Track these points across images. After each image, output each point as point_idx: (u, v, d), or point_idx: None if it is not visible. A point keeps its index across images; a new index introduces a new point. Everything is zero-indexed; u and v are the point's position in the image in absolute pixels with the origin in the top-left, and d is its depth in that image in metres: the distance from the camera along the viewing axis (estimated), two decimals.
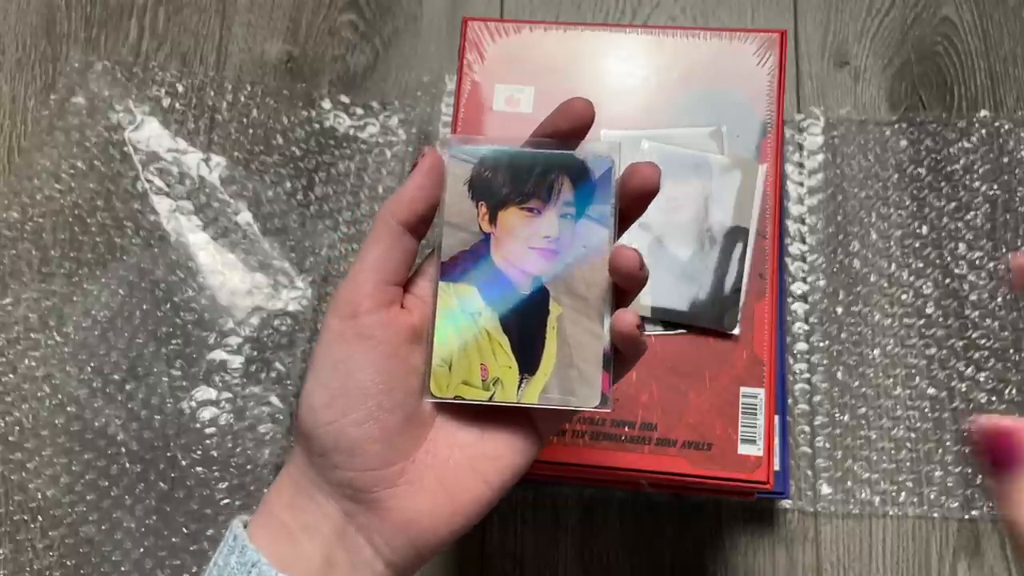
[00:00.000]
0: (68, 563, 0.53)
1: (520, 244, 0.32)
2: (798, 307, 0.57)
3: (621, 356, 0.32)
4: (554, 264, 0.32)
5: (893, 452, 0.54)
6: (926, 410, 0.55)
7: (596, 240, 0.32)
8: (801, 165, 0.60)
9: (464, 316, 0.32)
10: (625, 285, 0.31)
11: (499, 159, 0.33)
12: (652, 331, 0.45)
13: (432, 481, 0.31)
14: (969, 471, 0.54)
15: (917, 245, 0.58)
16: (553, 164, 0.32)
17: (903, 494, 0.54)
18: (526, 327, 0.32)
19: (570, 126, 0.32)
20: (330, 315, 0.31)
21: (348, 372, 0.30)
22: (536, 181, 0.32)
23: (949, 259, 0.58)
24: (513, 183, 0.32)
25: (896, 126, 0.60)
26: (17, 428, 0.56)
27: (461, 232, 0.32)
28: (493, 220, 0.32)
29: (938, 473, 0.54)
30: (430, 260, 0.33)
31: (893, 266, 0.58)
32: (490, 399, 0.32)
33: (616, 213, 0.32)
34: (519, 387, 0.32)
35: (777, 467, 0.51)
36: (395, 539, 0.31)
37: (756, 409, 0.44)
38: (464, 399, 0.32)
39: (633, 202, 0.32)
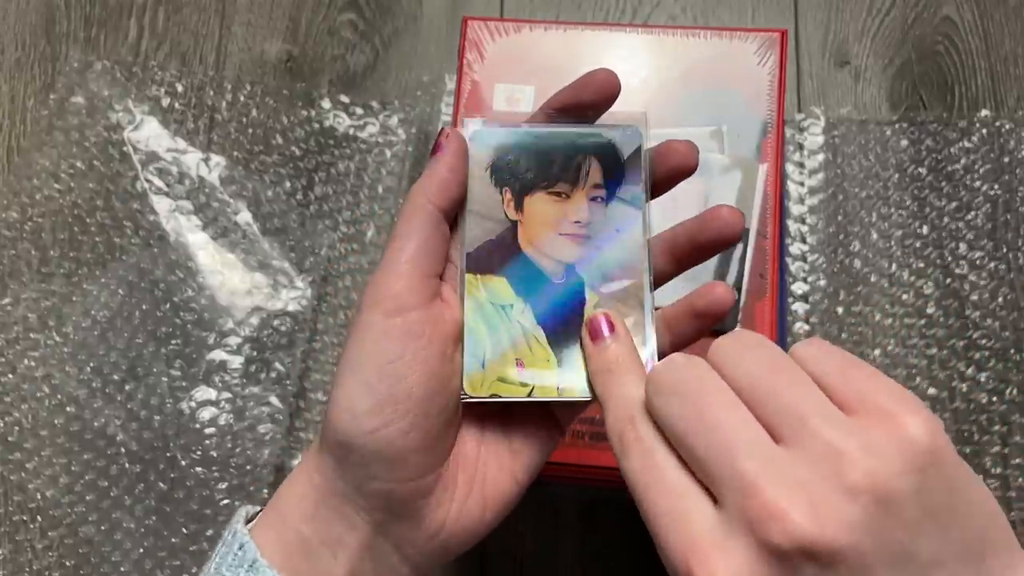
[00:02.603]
0: (67, 563, 0.53)
1: (549, 230, 0.30)
2: (799, 307, 0.57)
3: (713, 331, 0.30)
4: (586, 250, 0.30)
5: None
6: None
7: (629, 222, 0.30)
8: (801, 165, 0.60)
9: (494, 309, 0.30)
10: (718, 248, 0.31)
11: (522, 142, 0.31)
12: None
13: (464, 482, 0.30)
14: None
15: (918, 245, 0.58)
16: (580, 144, 0.31)
17: None
18: (561, 317, 0.30)
19: (593, 99, 0.30)
20: (370, 310, 0.28)
21: (398, 376, 0.27)
22: (563, 164, 0.31)
23: (950, 259, 0.57)
24: (538, 167, 0.31)
25: (897, 126, 0.60)
26: (16, 428, 0.56)
27: (485, 221, 0.31)
28: (519, 207, 0.31)
29: None
30: (453, 248, 0.31)
31: (894, 266, 0.58)
32: (529, 395, 0.30)
33: (648, 192, 0.31)
34: (558, 382, 0.30)
35: None
36: (426, 545, 0.29)
37: None
38: (501, 397, 0.30)
39: (665, 180, 0.31)
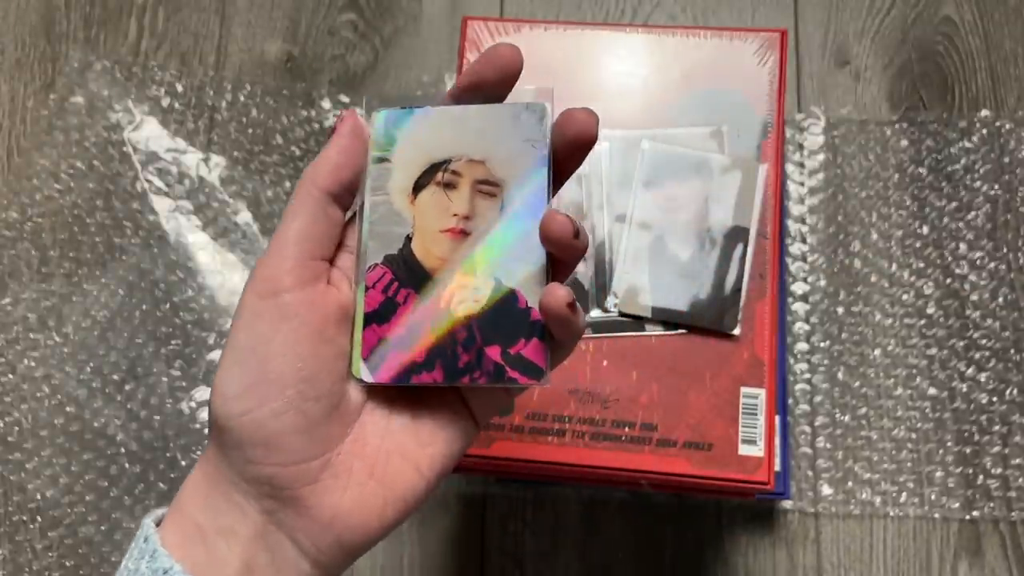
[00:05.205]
0: (67, 563, 0.53)
1: (432, 229, 0.30)
2: (799, 307, 0.57)
3: (555, 339, 0.29)
4: (465, 246, 0.29)
5: (894, 452, 0.54)
6: (927, 410, 0.55)
7: (529, 203, 0.29)
8: (802, 165, 0.60)
9: (388, 299, 0.30)
10: (559, 255, 0.28)
11: (423, 123, 0.30)
12: (652, 331, 0.45)
13: (362, 472, 0.28)
14: (970, 471, 0.54)
15: (918, 245, 0.58)
16: (481, 120, 0.30)
17: (904, 495, 0.54)
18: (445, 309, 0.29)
19: (497, 76, 0.29)
20: (248, 293, 0.28)
21: (266, 357, 0.27)
22: (461, 143, 0.30)
23: (950, 259, 0.57)
24: (436, 149, 0.30)
25: (897, 126, 0.60)
26: (16, 428, 0.56)
27: (383, 207, 0.30)
28: (415, 196, 0.30)
29: (939, 474, 0.54)
30: (351, 231, 0.31)
31: (894, 266, 0.58)
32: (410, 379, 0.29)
33: (550, 168, 0.29)
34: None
35: (778, 468, 0.51)
36: (320, 537, 0.28)
37: (756, 409, 0.43)
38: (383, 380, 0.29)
39: (569, 154, 0.29)
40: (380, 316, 0.29)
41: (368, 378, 0.29)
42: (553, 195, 0.30)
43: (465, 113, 0.30)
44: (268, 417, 0.27)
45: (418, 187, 0.30)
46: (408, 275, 0.30)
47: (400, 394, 0.30)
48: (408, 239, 0.30)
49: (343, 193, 0.30)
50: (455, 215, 0.30)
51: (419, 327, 0.29)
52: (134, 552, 0.28)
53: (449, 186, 0.30)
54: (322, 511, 0.28)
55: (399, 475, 0.29)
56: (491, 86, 0.30)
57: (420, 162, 0.30)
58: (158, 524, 0.29)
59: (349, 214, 0.31)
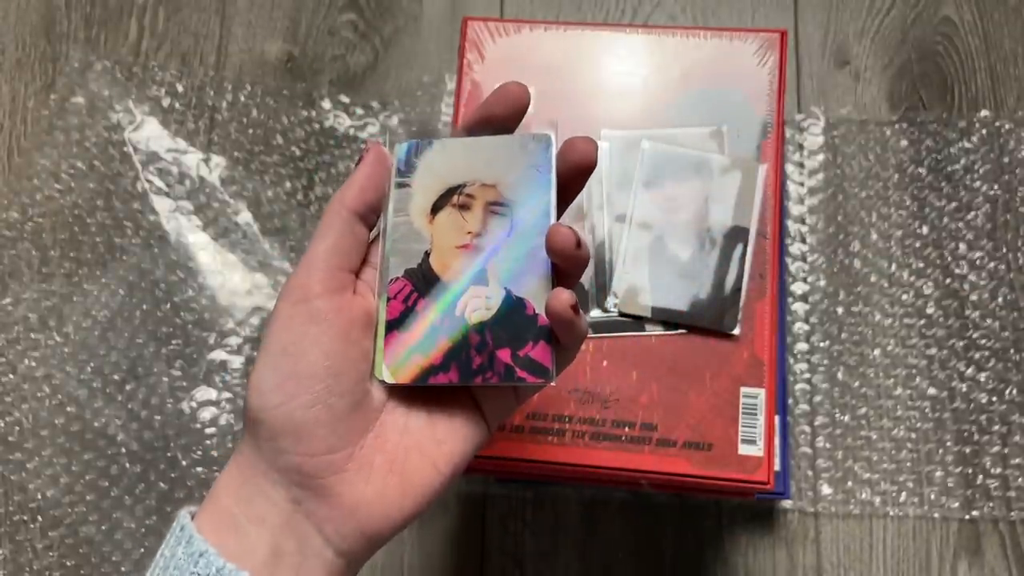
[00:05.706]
0: (68, 563, 0.53)
1: (448, 246, 0.33)
2: (798, 307, 0.57)
3: (560, 342, 0.31)
4: (479, 260, 0.32)
5: (894, 452, 0.54)
6: (926, 410, 0.55)
7: (536, 221, 0.32)
8: (801, 165, 0.60)
9: (408, 308, 0.32)
10: (564, 265, 0.31)
11: (440, 152, 0.33)
12: (652, 331, 0.45)
13: (382, 466, 0.31)
14: (970, 471, 0.54)
15: (918, 245, 0.58)
16: (492, 150, 0.33)
17: (904, 494, 0.54)
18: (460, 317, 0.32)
19: (506, 112, 0.33)
20: (281, 300, 0.31)
21: (298, 355, 0.30)
22: (474, 170, 0.33)
23: (950, 259, 0.58)
24: (452, 175, 0.33)
25: (896, 126, 0.60)
26: (17, 428, 0.56)
27: (404, 226, 0.33)
28: (433, 216, 0.33)
29: (939, 473, 0.54)
30: (374, 249, 0.34)
31: (893, 266, 0.58)
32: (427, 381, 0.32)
33: (555, 190, 0.32)
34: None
35: (777, 467, 0.51)
36: (344, 525, 0.30)
37: (756, 409, 0.43)
38: (400, 381, 0.32)
39: (571, 179, 0.33)
40: (401, 323, 0.32)
41: (389, 379, 0.32)
42: (559, 216, 0.32)
43: (478, 143, 0.33)
44: (298, 409, 0.30)
45: (436, 208, 0.33)
46: (426, 287, 0.32)
47: (418, 395, 0.32)
48: (426, 255, 0.33)
49: (368, 213, 0.33)
50: (469, 233, 0.33)
51: (436, 333, 0.32)
52: (170, 540, 0.30)
53: (464, 207, 0.33)
54: (346, 500, 0.30)
55: (417, 470, 0.31)
56: (501, 120, 0.33)
57: (437, 187, 0.33)
58: (193, 517, 0.31)
59: (373, 235, 0.34)
